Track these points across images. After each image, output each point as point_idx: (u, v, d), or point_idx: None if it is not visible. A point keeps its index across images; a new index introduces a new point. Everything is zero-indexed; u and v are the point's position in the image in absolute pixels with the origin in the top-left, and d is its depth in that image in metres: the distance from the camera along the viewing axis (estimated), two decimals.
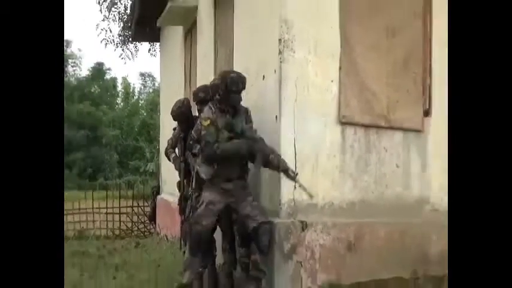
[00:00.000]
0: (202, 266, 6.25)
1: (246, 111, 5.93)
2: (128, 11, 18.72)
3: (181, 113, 6.83)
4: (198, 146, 6.23)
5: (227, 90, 5.62)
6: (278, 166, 5.51)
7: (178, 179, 7.05)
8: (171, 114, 6.91)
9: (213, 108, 5.71)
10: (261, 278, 5.65)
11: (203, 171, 5.72)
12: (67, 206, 13.72)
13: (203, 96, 6.51)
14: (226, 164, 5.66)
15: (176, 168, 7.03)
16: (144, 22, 13.65)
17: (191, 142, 6.41)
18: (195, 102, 6.81)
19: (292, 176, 5.53)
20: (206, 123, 5.57)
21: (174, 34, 11.98)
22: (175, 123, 7.13)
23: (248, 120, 5.90)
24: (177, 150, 7.08)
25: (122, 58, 21.92)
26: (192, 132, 6.42)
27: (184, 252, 6.62)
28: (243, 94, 5.79)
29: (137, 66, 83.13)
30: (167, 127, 10.16)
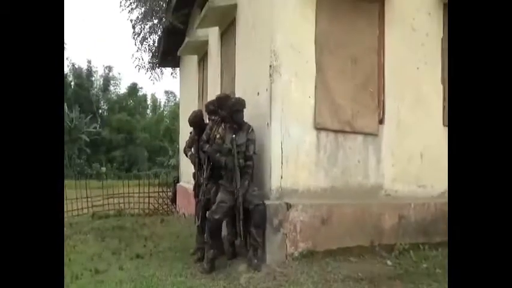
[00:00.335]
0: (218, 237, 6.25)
1: (248, 128, 5.91)
2: (156, 44, 18.67)
3: (196, 121, 6.83)
4: (207, 145, 6.23)
5: (231, 111, 5.66)
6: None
7: (193, 170, 7.04)
8: (188, 121, 6.90)
9: (223, 126, 5.73)
10: (257, 247, 5.62)
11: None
12: (109, 191, 13.69)
13: (212, 108, 6.51)
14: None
15: (192, 163, 7.01)
16: (167, 52, 13.65)
17: (202, 143, 6.41)
18: (206, 113, 6.81)
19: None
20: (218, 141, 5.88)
21: (191, 61, 11.95)
22: (191, 129, 7.11)
23: (250, 135, 5.87)
24: (192, 149, 7.06)
25: (151, 80, 22.01)
26: (203, 135, 6.42)
27: (197, 226, 6.60)
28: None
29: (162, 86, 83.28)
30: (185, 132, 10.13)
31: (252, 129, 5.89)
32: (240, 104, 5.87)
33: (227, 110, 5.83)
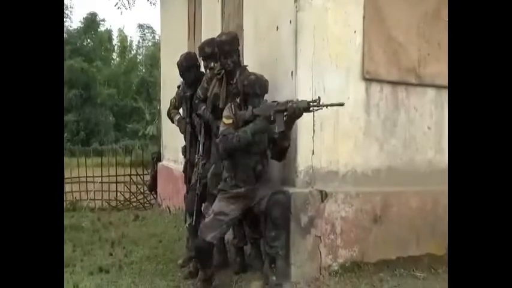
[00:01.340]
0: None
1: None
2: None
3: (189, 66, 6.80)
4: (204, 106, 6.23)
5: (245, 94, 5.56)
6: (295, 110, 5.24)
7: (183, 143, 7.05)
8: (177, 64, 6.87)
9: (233, 108, 5.62)
10: (276, 257, 5.62)
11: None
12: None
13: (210, 51, 6.47)
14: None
15: (181, 132, 7.02)
16: None
17: (197, 101, 6.39)
18: (201, 58, 6.79)
19: (317, 103, 5.21)
20: (228, 121, 5.50)
21: None
22: (178, 81, 7.11)
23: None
24: (181, 110, 7.07)
25: (118, 8, 21.86)
26: (198, 90, 6.40)
27: (189, 225, 6.64)
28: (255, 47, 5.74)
29: (135, 17, 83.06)
30: (169, 85, 10.15)
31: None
32: (257, 85, 5.60)
33: (241, 92, 5.69)
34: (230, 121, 5.40)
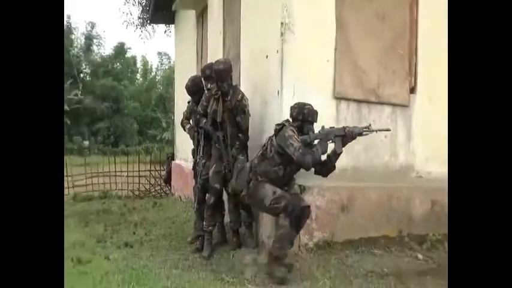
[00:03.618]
0: (212, 224, 6.31)
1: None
2: None
3: (194, 88, 6.82)
4: (205, 120, 6.23)
5: (303, 120, 5.22)
6: (352, 135, 5.14)
7: (192, 146, 7.05)
8: (185, 88, 6.89)
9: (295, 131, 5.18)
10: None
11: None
12: (93, 169, 13.78)
13: (209, 73, 6.46)
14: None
15: (191, 137, 7.03)
16: (160, 6, 13.51)
17: (198, 116, 6.41)
18: (202, 78, 6.79)
19: (370, 129, 5.19)
20: (299, 142, 5.06)
21: (188, 17, 11.86)
22: (188, 97, 7.11)
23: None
24: (191, 121, 7.07)
25: (141, 38, 22.06)
26: (198, 107, 6.41)
27: (196, 210, 6.65)
28: (249, 71, 5.73)
29: (155, 46, 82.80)
30: (181, 100, 10.12)
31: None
32: (315, 114, 5.34)
33: (300, 119, 5.30)
34: (300, 142, 5.07)
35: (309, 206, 5.29)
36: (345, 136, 5.10)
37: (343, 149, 5.16)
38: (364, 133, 5.16)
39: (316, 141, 5.15)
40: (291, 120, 5.24)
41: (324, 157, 5.18)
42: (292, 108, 5.29)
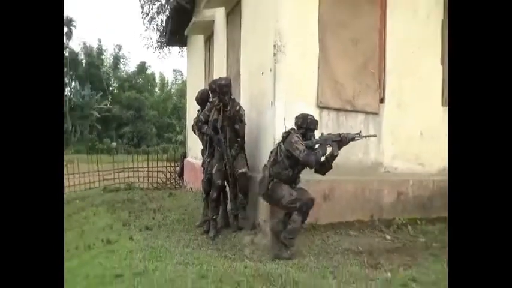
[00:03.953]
0: (216, 213, 6.31)
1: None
2: (164, 23, 18.52)
3: (202, 99, 6.85)
4: (206, 127, 6.32)
5: (306, 128, 5.23)
6: (347, 140, 5.18)
7: (201, 147, 7.09)
8: (195, 99, 6.93)
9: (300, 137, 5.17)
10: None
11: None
12: (119, 166, 13.74)
13: (215, 87, 6.46)
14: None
15: (200, 140, 7.05)
16: (175, 32, 13.51)
17: (200, 124, 6.44)
18: (209, 91, 6.79)
19: (360, 135, 5.26)
20: (303, 146, 5.06)
21: (197, 41, 11.86)
22: (198, 106, 7.12)
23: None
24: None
25: (159, 58, 22.04)
26: (201, 116, 6.48)
27: (204, 199, 6.66)
28: (248, 86, 5.71)
29: (170, 64, 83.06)
30: (192, 109, 10.10)
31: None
32: (316, 123, 5.34)
33: (304, 127, 5.27)
34: (304, 146, 5.07)
35: (313, 199, 5.28)
36: (341, 141, 5.15)
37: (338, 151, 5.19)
38: (356, 138, 5.22)
39: (316, 146, 5.17)
40: (295, 128, 5.27)
41: (322, 158, 5.18)
42: (297, 118, 5.31)
